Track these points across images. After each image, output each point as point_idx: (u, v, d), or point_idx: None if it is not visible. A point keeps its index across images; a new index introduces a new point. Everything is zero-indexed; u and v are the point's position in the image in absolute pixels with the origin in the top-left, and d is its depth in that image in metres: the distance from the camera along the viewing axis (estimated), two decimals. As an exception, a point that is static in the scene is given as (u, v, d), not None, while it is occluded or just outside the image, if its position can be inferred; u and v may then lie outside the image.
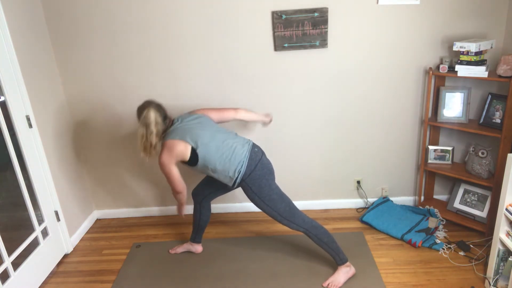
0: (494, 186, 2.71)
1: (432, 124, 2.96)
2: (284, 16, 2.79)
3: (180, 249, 2.90)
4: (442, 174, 3.06)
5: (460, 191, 3.05)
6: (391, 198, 3.32)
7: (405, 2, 2.76)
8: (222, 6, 2.81)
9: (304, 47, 2.86)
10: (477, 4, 2.74)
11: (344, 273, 2.49)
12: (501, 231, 2.26)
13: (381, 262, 2.67)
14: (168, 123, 2.42)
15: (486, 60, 2.61)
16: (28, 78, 2.64)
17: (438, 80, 2.92)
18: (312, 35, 2.83)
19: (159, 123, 2.35)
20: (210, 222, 3.29)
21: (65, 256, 3.00)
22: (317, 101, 3.04)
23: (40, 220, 2.75)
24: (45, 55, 2.87)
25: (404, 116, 3.07)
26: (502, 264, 2.32)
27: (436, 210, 3.02)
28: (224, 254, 2.85)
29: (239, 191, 3.33)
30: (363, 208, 3.35)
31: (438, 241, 2.81)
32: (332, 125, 3.11)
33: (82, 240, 3.19)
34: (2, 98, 2.45)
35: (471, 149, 2.86)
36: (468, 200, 3.00)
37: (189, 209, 3.42)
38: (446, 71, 2.75)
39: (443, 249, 2.75)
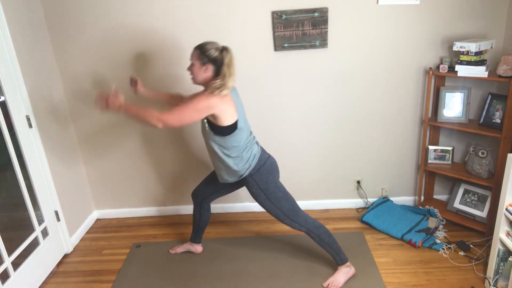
0: (494, 186, 2.71)
1: (432, 124, 2.96)
2: (284, 16, 2.79)
3: (180, 249, 2.90)
4: (442, 174, 3.06)
5: (460, 191, 3.05)
6: (391, 198, 3.32)
7: (405, 2, 2.75)
8: (222, 6, 2.81)
9: (304, 47, 2.86)
10: (477, 4, 2.74)
11: (344, 273, 2.49)
12: (501, 231, 2.26)
13: (381, 262, 2.67)
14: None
15: (486, 60, 2.61)
16: (28, 78, 2.64)
17: (438, 80, 2.92)
18: (312, 35, 2.83)
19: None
20: (210, 222, 3.29)
21: (65, 256, 3.00)
22: (317, 101, 3.04)
23: (40, 220, 2.75)
24: (45, 55, 2.87)
25: (404, 116, 3.07)
26: (502, 264, 2.32)
27: (436, 210, 3.02)
28: (224, 254, 2.85)
29: (239, 191, 3.33)
30: (363, 208, 3.35)
31: (438, 241, 2.81)
32: (332, 125, 3.11)
33: (82, 240, 3.19)
34: (2, 98, 2.45)
35: (471, 149, 2.85)
36: (468, 200, 3.00)
37: (189, 209, 3.42)
38: (446, 71, 2.75)
39: (443, 249, 2.75)
